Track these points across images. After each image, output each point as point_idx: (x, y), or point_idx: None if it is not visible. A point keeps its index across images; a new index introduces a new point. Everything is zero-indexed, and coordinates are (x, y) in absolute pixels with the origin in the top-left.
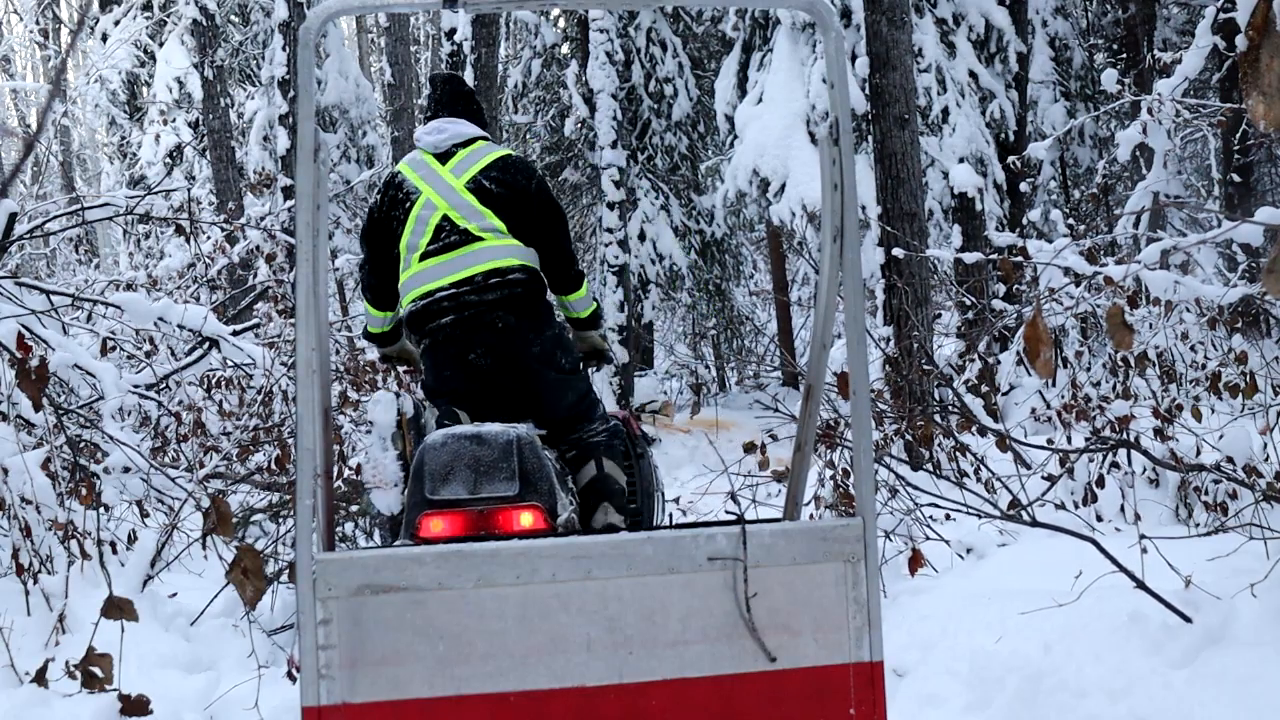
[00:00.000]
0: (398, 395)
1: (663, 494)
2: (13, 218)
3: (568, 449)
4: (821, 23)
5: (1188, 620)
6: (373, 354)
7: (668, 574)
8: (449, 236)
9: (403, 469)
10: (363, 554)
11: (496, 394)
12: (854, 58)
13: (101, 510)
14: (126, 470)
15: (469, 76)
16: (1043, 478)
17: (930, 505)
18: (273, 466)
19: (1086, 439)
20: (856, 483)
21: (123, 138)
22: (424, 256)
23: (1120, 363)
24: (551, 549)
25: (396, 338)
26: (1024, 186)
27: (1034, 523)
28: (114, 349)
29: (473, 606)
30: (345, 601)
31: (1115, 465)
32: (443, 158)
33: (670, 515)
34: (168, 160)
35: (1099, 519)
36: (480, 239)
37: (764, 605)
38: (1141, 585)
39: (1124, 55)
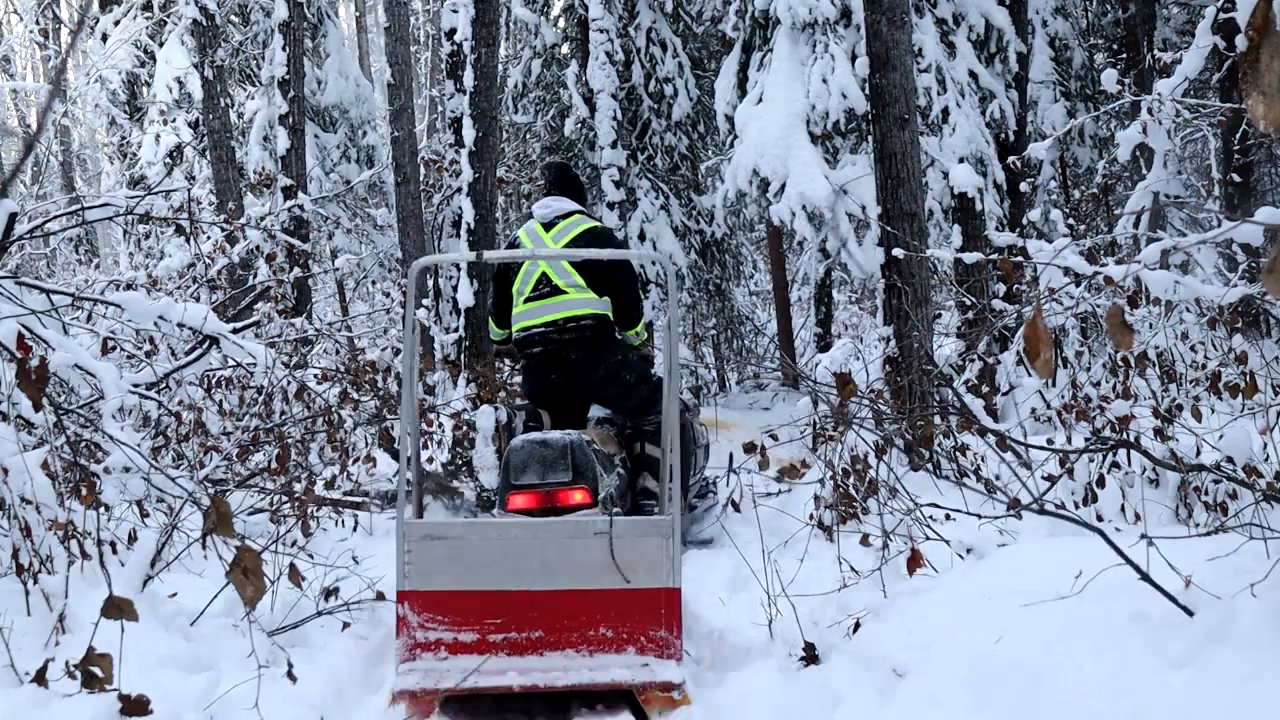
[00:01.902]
0: (495, 409)
1: (706, 449)
2: (13, 218)
3: (630, 431)
4: None
5: (1189, 613)
6: (373, 354)
7: (577, 539)
8: (544, 288)
9: (498, 458)
10: (423, 522)
11: (568, 403)
12: (854, 58)
13: (101, 510)
14: (126, 470)
15: (469, 77)
16: (1043, 478)
17: (930, 505)
18: (273, 466)
19: (1086, 439)
20: (661, 479)
21: (123, 138)
22: (526, 300)
23: (1120, 363)
24: (520, 524)
25: (508, 344)
26: (1024, 186)
27: (1040, 510)
28: (114, 349)
29: (477, 549)
30: (417, 543)
31: (1115, 465)
32: (548, 226)
33: (703, 474)
34: (168, 160)
35: (1099, 519)
36: (565, 292)
37: (622, 557)
38: (1145, 577)
39: (1124, 55)
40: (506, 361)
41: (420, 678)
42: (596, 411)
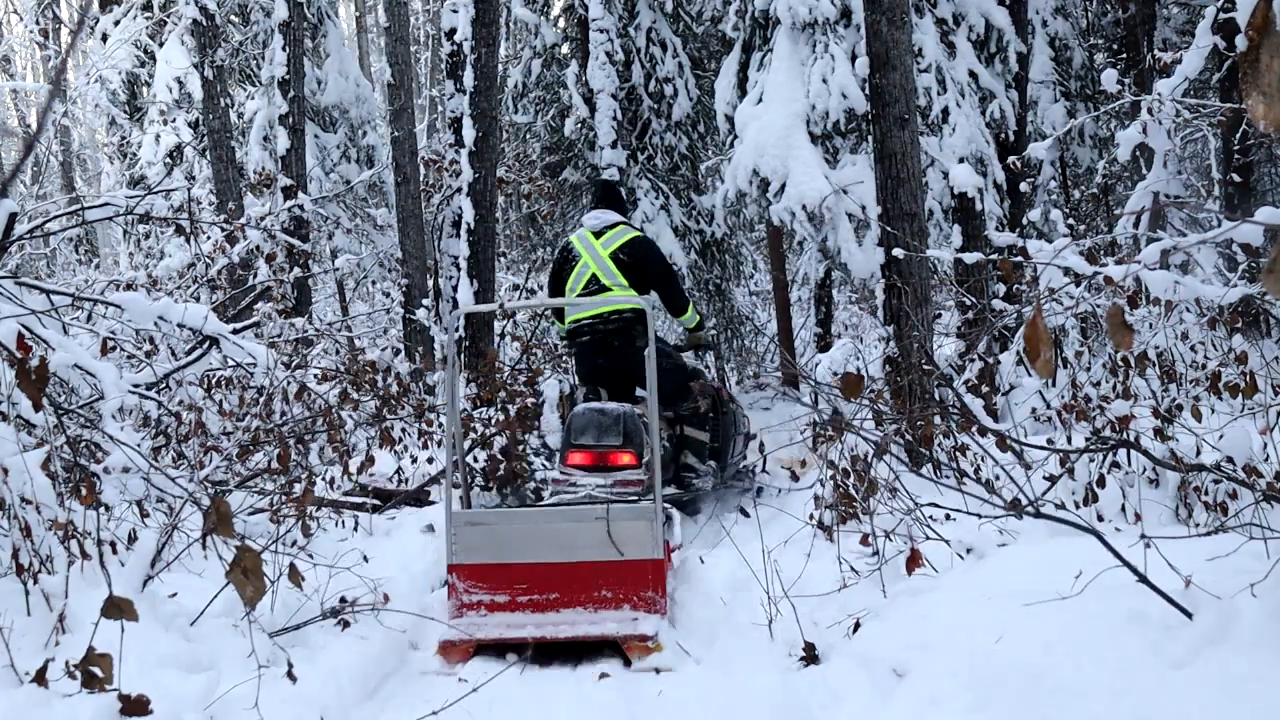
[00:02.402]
0: (560, 382)
1: (746, 434)
2: (13, 218)
3: (671, 414)
4: None
5: (1189, 615)
6: (373, 354)
7: (583, 522)
8: (593, 286)
9: (561, 423)
10: (466, 511)
11: (613, 383)
12: (854, 58)
13: (101, 510)
14: (126, 470)
15: (469, 77)
16: (1043, 478)
17: (930, 505)
18: (273, 466)
19: (1086, 439)
20: (650, 465)
21: (123, 138)
22: (579, 296)
23: (1120, 363)
24: (538, 512)
25: (570, 338)
26: (1024, 186)
27: (1037, 514)
28: (114, 349)
29: (507, 531)
30: (461, 527)
31: (1115, 465)
32: (597, 234)
33: (745, 454)
34: (168, 160)
35: (1099, 519)
36: (610, 289)
37: (617, 535)
38: (1143, 579)
39: (1124, 55)
40: (506, 361)
41: (465, 630)
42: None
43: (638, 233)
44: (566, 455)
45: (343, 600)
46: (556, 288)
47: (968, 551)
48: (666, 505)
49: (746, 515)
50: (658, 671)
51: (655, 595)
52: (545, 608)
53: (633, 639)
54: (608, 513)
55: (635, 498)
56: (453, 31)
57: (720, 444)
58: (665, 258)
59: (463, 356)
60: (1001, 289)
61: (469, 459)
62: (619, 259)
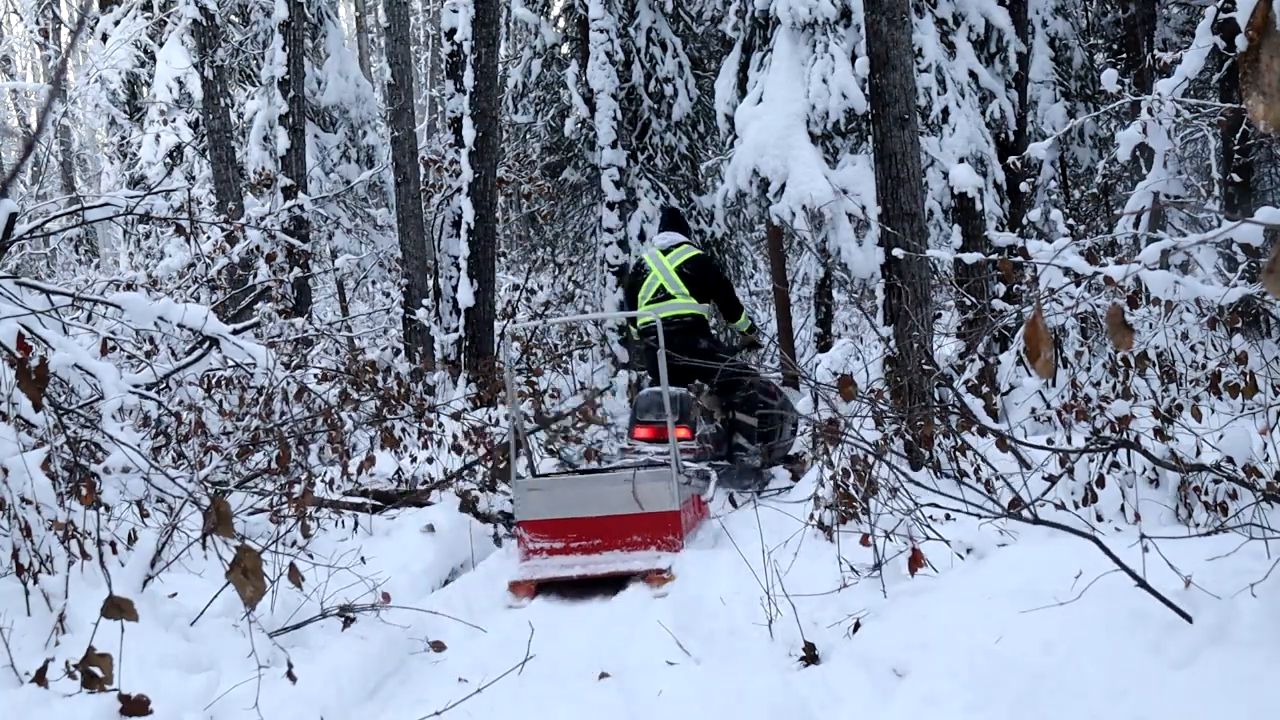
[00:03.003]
0: (628, 372)
1: (794, 424)
2: (13, 218)
3: (725, 402)
4: None
5: (1188, 618)
6: (373, 354)
7: (616, 485)
8: (660, 295)
9: (629, 404)
10: (528, 479)
11: (677, 375)
12: (854, 58)
13: (101, 510)
14: (126, 470)
15: (469, 77)
16: (1043, 478)
17: (930, 505)
18: (273, 467)
19: (1086, 439)
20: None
21: (123, 138)
22: (648, 303)
23: (1120, 363)
24: (582, 479)
25: (639, 339)
26: (1024, 186)
27: (1035, 520)
28: (114, 349)
29: (561, 491)
30: (524, 491)
31: (1115, 465)
32: (665, 251)
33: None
34: (168, 160)
35: (1099, 519)
36: (674, 298)
37: (640, 494)
38: (1142, 583)
39: (1124, 55)
40: (502, 362)
41: (529, 572)
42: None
43: (699, 251)
44: (633, 430)
45: (348, 607)
46: (630, 297)
47: (968, 551)
48: (706, 467)
49: (735, 506)
50: (665, 593)
51: (673, 538)
52: (590, 551)
53: (653, 572)
54: (634, 477)
55: (688, 463)
56: (453, 31)
57: (768, 429)
58: (721, 272)
59: (464, 356)
60: (1001, 289)
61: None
62: (683, 272)
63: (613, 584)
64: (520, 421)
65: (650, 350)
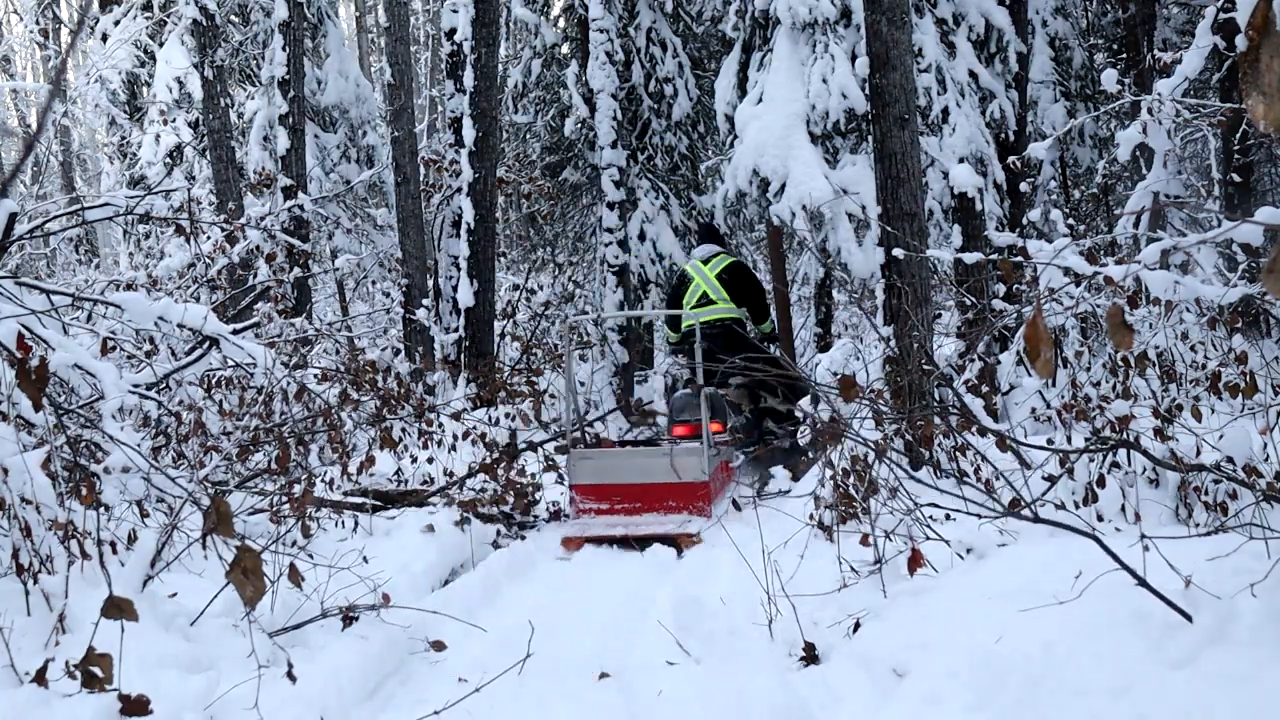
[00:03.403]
0: (666, 375)
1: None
2: (13, 218)
3: (755, 392)
4: None
5: (1188, 618)
6: (373, 354)
7: (656, 459)
8: (703, 300)
9: (667, 404)
10: (580, 450)
11: (720, 372)
12: (854, 58)
13: (101, 510)
14: (126, 470)
15: (469, 77)
16: (1043, 478)
17: (930, 505)
18: (273, 467)
19: (1086, 439)
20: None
21: (123, 138)
22: (692, 308)
23: (1120, 363)
24: (626, 451)
25: (681, 343)
26: (1024, 186)
27: (1036, 519)
28: (114, 349)
29: (609, 461)
30: (577, 460)
31: (1115, 465)
32: (705, 261)
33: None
34: (168, 160)
35: (1099, 519)
36: (715, 303)
37: (677, 464)
38: (1142, 582)
39: (1124, 55)
40: (506, 361)
41: (579, 529)
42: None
43: (735, 258)
44: (671, 429)
45: (348, 607)
46: (675, 303)
47: (968, 551)
48: (737, 451)
49: (738, 509)
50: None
51: (703, 505)
52: (631, 513)
53: (683, 535)
54: (671, 451)
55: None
56: (453, 31)
57: (795, 415)
58: (756, 278)
59: (464, 356)
60: (1001, 289)
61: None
62: (722, 279)
63: (645, 544)
64: (576, 400)
65: (695, 350)
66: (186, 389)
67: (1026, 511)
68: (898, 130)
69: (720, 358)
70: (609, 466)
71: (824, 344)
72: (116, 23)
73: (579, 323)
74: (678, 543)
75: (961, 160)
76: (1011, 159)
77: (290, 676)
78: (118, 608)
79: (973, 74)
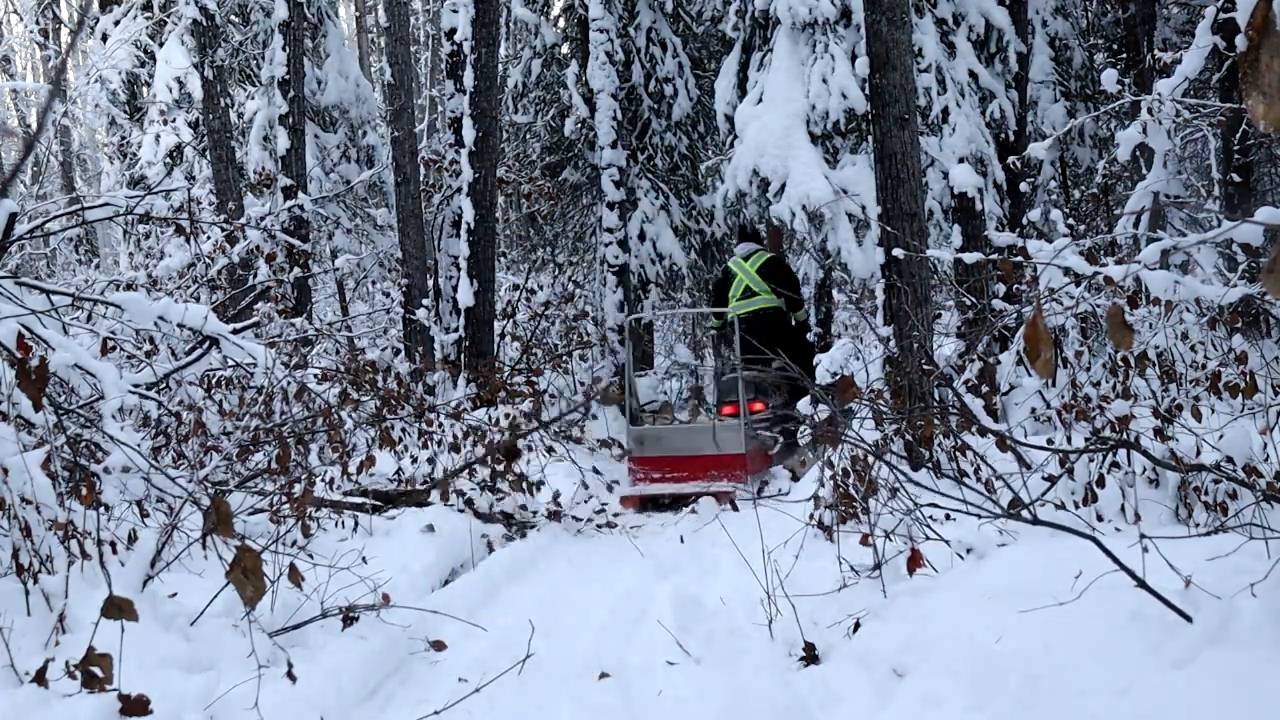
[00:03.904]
0: (714, 362)
1: None
2: (13, 218)
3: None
4: None
5: (1188, 619)
6: (373, 354)
7: (700, 432)
8: (746, 293)
9: (716, 387)
10: (638, 428)
11: (756, 355)
12: (854, 58)
13: (101, 510)
14: (126, 470)
15: (469, 77)
16: (1043, 478)
17: (930, 505)
18: (273, 466)
19: (1086, 439)
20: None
21: (123, 138)
22: (736, 300)
23: (1120, 363)
24: (674, 428)
25: (723, 329)
26: (1024, 186)
27: (1035, 521)
28: (114, 349)
29: (659, 438)
30: (635, 435)
31: (1115, 465)
32: (745, 258)
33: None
34: (168, 160)
35: (1099, 519)
36: (757, 294)
37: (719, 439)
38: (1142, 584)
39: (1124, 55)
40: (506, 361)
41: (637, 490)
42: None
43: (772, 253)
44: (720, 409)
45: (349, 607)
46: (720, 296)
47: (968, 551)
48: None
49: (735, 509)
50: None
51: (741, 473)
52: (680, 480)
53: (724, 494)
54: (713, 427)
55: (763, 429)
56: (453, 31)
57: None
58: (792, 270)
59: (464, 356)
60: (1001, 289)
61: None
62: (761, 273)
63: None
64: (634, 381)
65: (741, 339)
66: (186, 389)
67: (1025, 513)
68: (898, 130)
69: (760, 344)
70: (662, 442)
71: (824, 344)
72: (116, 23)
73: (639, 319)
74: (717, 499)
75: (961, 160)
76: (1011, 159)
77: (290, 676)
78: (118, 608)
79: (973, 74)
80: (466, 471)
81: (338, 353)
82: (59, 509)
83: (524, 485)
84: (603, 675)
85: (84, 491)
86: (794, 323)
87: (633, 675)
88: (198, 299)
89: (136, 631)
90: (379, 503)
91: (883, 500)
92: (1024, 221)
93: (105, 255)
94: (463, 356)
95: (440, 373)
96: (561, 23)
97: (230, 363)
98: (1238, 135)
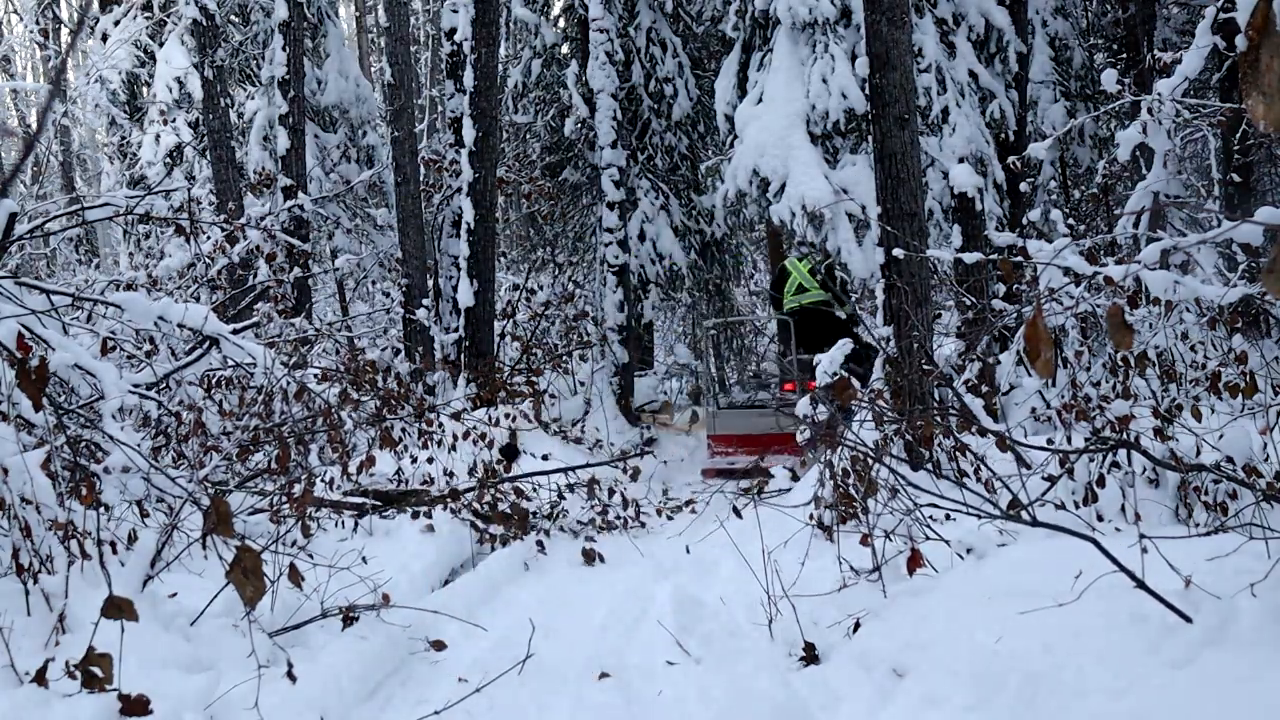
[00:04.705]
0: (780, 352)
1: None
2: (13, 218)
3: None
4: None
5: (1188, 620)
6: (373, 354)
7: (766, 415)
8: (800, 291)
9: (779, 370)
10: (715, 411)
11: (815, 344)
12: (854, 58)
13: (101, 510)
14: (126, 470)
15: (469, 77)
16: (1043, 478)
17: (930, 505)
18: (273, 466)
19: (1086, 439)
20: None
21: (123, 138)
22: (792, 295)
23: (1120, 363)
24: (747, 410)
25: (785, 314)
26: (1024, 186)
27: (1034, 522)
28: (114, 349)
29: (734, 418)
30: (713, 417)
31: (1115, 465)
32: (799, 260)
33: None
34: (168, 160)
35: (1099, 519)
36: (809, 290)
37: (780, 421)
38: (1141, 585)
39: (1124, 55)
40: (506, 361)
41: (714, 464)
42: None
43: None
44: (782, 385)
45: (349, 607)
46: (778, 290)
47: (968, 551)
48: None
49: (739, 516)
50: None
51: (798, 449)
52: (751, 454)
53: (784, 463)
54: (776, 410)
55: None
56: (453, 31)
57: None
58: (836, 272)
59: (464, 356)
60: (1001, 289)
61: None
62: (813, 272)
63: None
64: (712, 371)
65: (798, 327)
66: (186, 389)
67: (1025, 514)
68: (898, 130)
69: (812, 331)
70: (735, 422)
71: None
72: (116, 23)
73: (717, 325)
74: (786, 464)
75: (961, 160)
76: (1011, 159)
77: (290, 676)
78: (118, 608)
79: (973, 74)
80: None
81: (338, 353)
82: (59, 509)
83: (523, 499)
84: (603, 675)
85: (84, 491)
86: (844, 316)
87: (633, 675)
88: (198, 299)
89: (136, 631)
90: (379, 503)
91: (882, 500)
92: (1024, 221)
93: (105, 255)
94: (463, 356)
95: (440, 373)
96: (561, 23)
97: (230, 363)
98: (1238, 135)
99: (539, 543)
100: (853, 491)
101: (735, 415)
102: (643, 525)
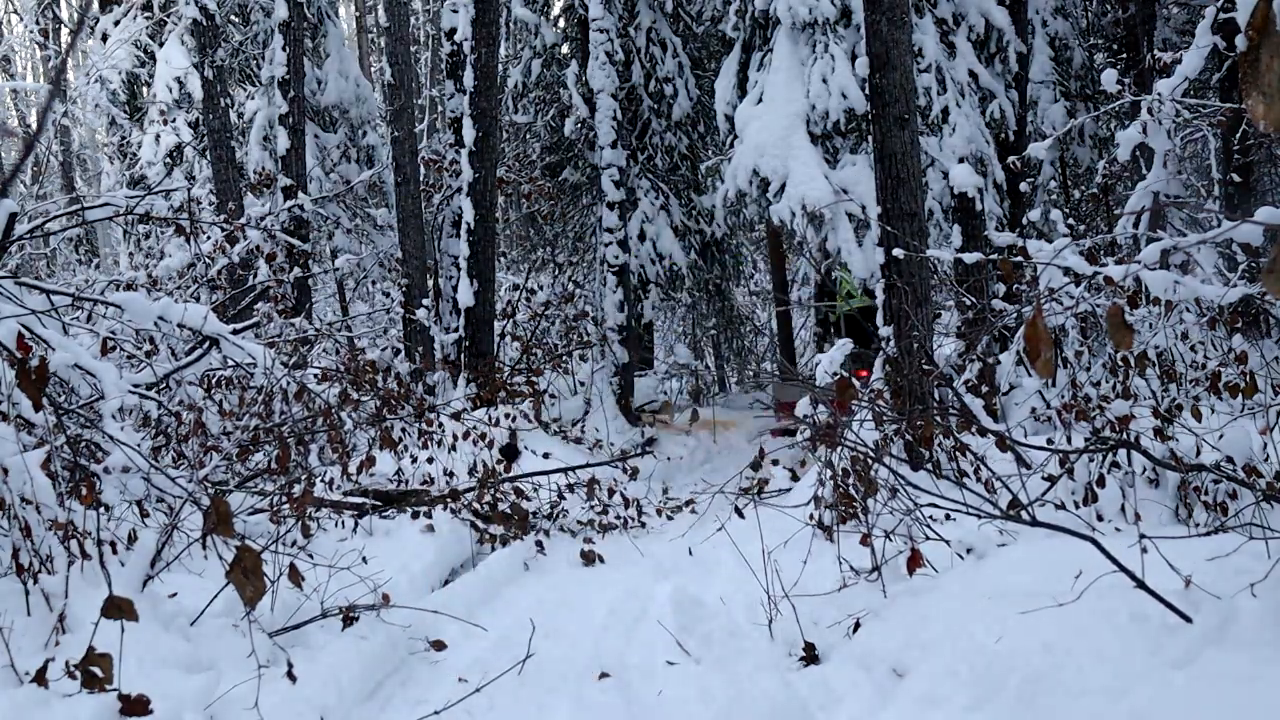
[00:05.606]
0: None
1: None
2: (13, 218)
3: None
4: None
5: (1188, 620)
6: (373, 354)
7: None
8: (848, 294)
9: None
10: (779, 383)
11: (864, 338)
12: (854, 58)
13: (101, 510)
14: (126, 470)
15: (469, 77)
16: (1043, 478)
17: (930, 505)
18: (273, 466)
19: (1086, 439)
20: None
21: (123, 138)
22: (843, 298)
23: (1120, 363)
24: (797, 384)
25: (837, 317)
26: (1024, 186)
27: (1034, 522)
28: (114, 349)
29: (795, 389)
30: (780, 386)
31: (1115, 465)
32: (845, 268)
33: None
34: (168, 160)
35: (1099, 519)
36: (856, 298)
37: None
38: (1141, 585)
39: (1124, 55)
40: (506, 361)
41: (781, 424)
42: None
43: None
44: (855, 372)
45: (349, 607)
46: (830, 295)
47: (968, 551)
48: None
49: (742, 516)
50: None
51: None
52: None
53: (788, 466)
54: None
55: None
56: (453, 31)
57: None
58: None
59: (464, 356)
60: (1001, 289)
61: None
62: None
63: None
64: (776, 351)
65: (847, 325)
66: (186, 389)
67: (1025, 514)
68: (898, 130)
69: (860, 327)
70: (796, 393)
71: (824, 344)
72: (116, 23)
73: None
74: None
75: (961, 160)
76: (1011, 159)
77: (290, 676)
78: (118, 608)
79: (973, 74)
80: (473, 486)
81: (338, 353)
82: (59, 509)
83: (523, 499)
84: (603, 675)
85: (84, 491)
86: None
87: (633, 675)
88: (198, 299)
89: (136, 631)
90: (379, 503)
91: (882, 500)
92: (1024, 221)
93: (105, 255)
94: (463, 356)
95: (440, 373)
96: (561, 23)
97: (230, 363)
98: (1238, 135)
99: (539, 543)
100: (853, 491)
101: (794, 387)
102: (643, 525)
